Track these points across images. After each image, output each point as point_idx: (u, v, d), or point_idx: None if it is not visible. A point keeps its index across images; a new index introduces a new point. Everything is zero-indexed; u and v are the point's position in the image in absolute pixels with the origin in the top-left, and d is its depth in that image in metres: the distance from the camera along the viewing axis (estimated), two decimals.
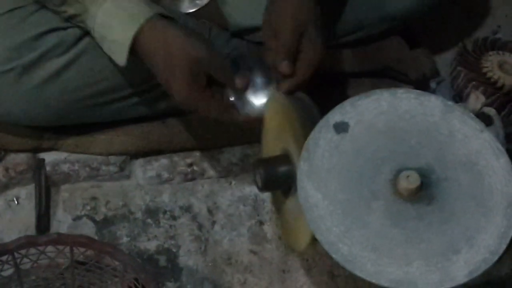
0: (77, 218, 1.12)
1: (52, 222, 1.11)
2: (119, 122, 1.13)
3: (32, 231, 1.08)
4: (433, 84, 1.24)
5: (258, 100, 0.96)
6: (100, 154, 1.14)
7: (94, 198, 1.14)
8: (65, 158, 1.14)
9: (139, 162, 1.16)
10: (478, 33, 1.36)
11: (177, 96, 0.93)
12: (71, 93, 1.03)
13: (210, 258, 1.09)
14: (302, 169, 0.79)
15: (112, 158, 1.14)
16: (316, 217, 0.77)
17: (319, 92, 1.00)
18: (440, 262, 0.74)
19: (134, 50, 0.92)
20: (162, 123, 1.14)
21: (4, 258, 0.91)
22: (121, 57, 0.93)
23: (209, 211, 1.14)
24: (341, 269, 1.03)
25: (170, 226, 1.12)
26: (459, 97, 1.18)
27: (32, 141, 1.12)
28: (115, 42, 0.93)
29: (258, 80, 0.97)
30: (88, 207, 1.13)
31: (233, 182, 1.17)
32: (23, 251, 0.91)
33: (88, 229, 1.10)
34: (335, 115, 0.82)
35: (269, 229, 1.12)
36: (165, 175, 1.16)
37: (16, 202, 1.12)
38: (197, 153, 1.17)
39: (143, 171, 1.16)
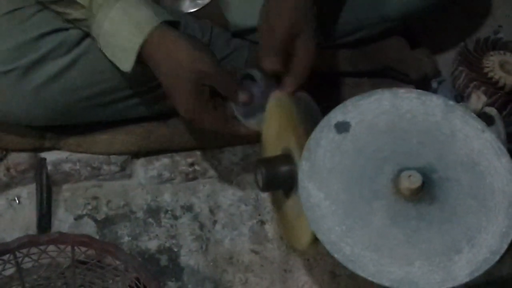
0: (78, 218, 1.12)
1: (53, 222, 1.11)
2: (120, 122, 1.13)
3: (33, 230, 1.08)
4: (434, 84, 1.24)
5: (260, 114, 0.97)
6: (102, 154, 1.14)
7: (95, 198, 1.14)
8: (67, 158, 1.14)
9: (140, 161, 1.16)
10: (479, 33, 1.36)
11: (180, 108, 0.95)
12: (73, 93, 1.03)
13: (211, 258, 1.09)
14: (304, 169, 0.79)
15: (114, 158, 1.15)
16: (318, 217, 0.77)
17: (320, 92, 1.00)
18: (441, 262, 0.74)
19: (139, 57, 0.93)
20: (164, 123, 1.14)
21: (5, 257, 0.91)
22: (127, 64, 0.93)
23: (211, 211, 1.14)
24: (342, 269, 1.03)
25: (171, 225, 1.12)
26: (460, 97, 1.18)
27: (33, 141, 1.12)
28: (121, 49, 0.93)
29: (262, 93, 0.97)
30: (90, 207, 1.13)
31: (235, 182, 1.17)
32: (24, 251, 0.91)
33: (89, 228, 1.10)
34: (336, 115, 0.82)
35: (270, 229, 1.12)
36: (167, 174, 1.16)
37: (17, 201, 1.12)
38: (199, 153, 1.17)
39: (145, 170, 1.16)
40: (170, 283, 1.06)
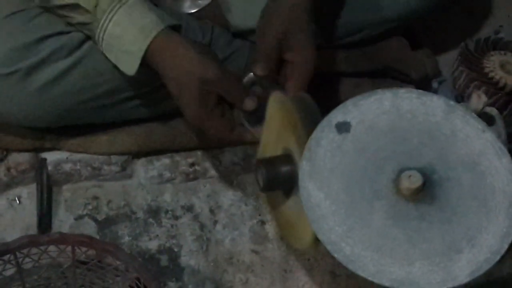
0: (78, 218, 1.12)
1: (53, 222, 1.11)
2: (121, 122, 1.13)
3: (34, 230, 1.08)
4: (435, 84, 1.24)
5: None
6: (102, 154, 1.14)
7: (95, 198, 1.14)
8: (67, 158, 1.14)
9: (141, 161, 1.16)
10: (480, 33, 1.36)
11: (186, 115, 0.95)
12: (74, 95, 1.03)
13: (212, 258, 1.09)
14: (304, 169, 0.79)
15: (114, 158, 1.15)
16: (318, 216, 0.77)
17: (320, 92, 1.00)
18: (442, 262, 0.74)
19: (143, 60, 0.93)
20: (164, 123, 1.14)
21: (6, 257, 0.91)
22: (131, 68, 0.94)
23: (211, 211, 1.14)
24: (343, 269, 1.02)
25: (172, 225, 1.12)
26: (461, 97, 1.18)
27: (34, 141, 1.12)
28: (126, 53, 0.93)
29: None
30: (90, 207, 1.13)
31: (235, 182, 1.17)
32: (25, 251, 0.91)
33: (89, 228, 1.10)
34: (337, 115, 0.82)
35: (270, 229, 1.12)
36: (167, 174, 1.16)
37: (18, 201, 1.12)
38: (199, 153, 1.17)
39: (145, 170, 1.16)
40: (170, 283, 1.06)
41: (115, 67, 0.96)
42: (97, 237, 1.08)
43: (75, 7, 0.94)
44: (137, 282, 0.91)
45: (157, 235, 1.11)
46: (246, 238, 1.12)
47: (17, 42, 0.99)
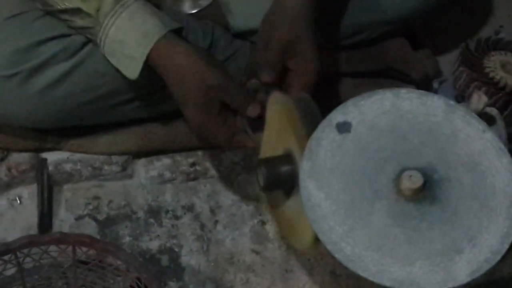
0: (79, 218, 1.12)
1: (54, 222, 1.11)
2: (121, 122, 1.13)
3: (34, 230, 1.08)
4: (435, 84, 1.24)
5: None
6: (103, 154, 1.14)
7: (96, 198, 1.14)
8: (68, 158, 1.14)
9: (141, 161, 1.16)
10: (480, 33, 1.36)
11: (189, 121, 0.96)
12: (75, 97, 1.03)
13: (212, 258, 1.09)
14: (305, 168, 0.79)
15: (115, 158, 1.15)
16: (319, 216, 0.77)
17: (321, 92, 1.00)
18: (442, 262, 0.74)
19: (146, 65, 0.93)
20: (165, 123, 1.14)
21: (6, 257, 0.91)
22: (133, 72, 0.94)
23: (212, 211, 1.14)
24: (343, 269, 1.02)
25: (173, 225, 1.12)
26: (461, 97, 1.18)
27: (34, 141, 1.12)
28: (128, 57, 0.93)
29: None
30: (91, 207, 1.13)
31: (235, 182, 1.17)
32: (25, 251, 0.91)
33: (90, 228, 1.10)
34: (337, 115, 0.82)
35: (271, 229, 1.12)
36: (168, 174, 1.16)
37: (18, 201, 1.12)
38: (200, 153, 1.17)
39: (146, 170, 1.16)
40: (171, 283, 1.06)
41: (116, 69, 0.96)
42: (98, 237, 1.08)
43: (77, 11, 0.94)
44: (137, 282, 0.91)
45: (158, 235, 1.11)
46: (246, 238, 1.12)
47: (19, 44, 0.99)
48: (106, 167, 1.15)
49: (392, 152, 0.79)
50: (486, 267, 0.74)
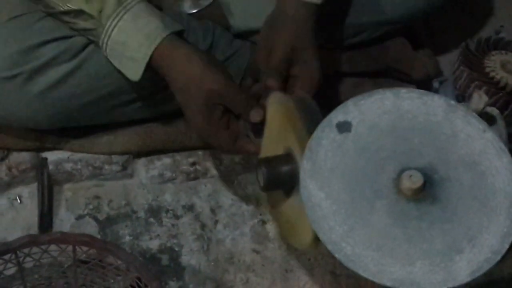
0: (79, 217, 1.12)
1: (54, 221, 1.11)
2: (122, 122, 1.13)
3: (34, 230, 1.08)
4: (436, 84, 1.23)
5: None
6: (103, 153, 1.14)
7: (96, 197, 1.14)
8: (68, 157, 1.14)
9: (142, 161, 1.16)
10: (481, 33, 1.36)
11: (191, 125, 0.96)
12: (76, 98, 1.03)
13: (213, 257, 1.09)
14: (305, 168, 0.79)
15: (115, 157, 1.15)
16: (319, 216, 0.77)
17: (321, 91, 1.00)
18: (442, 262, 0.74)
19: (148, 67, 0.93)
20: (165, 123, 1.14)
21: (7, 257, 0.91)
22: (135, 74, 0.94)
23: (212, 210, 1.14)
24: (343, 269, 1.02)
25: (173, 225, 1.12)
26: (462, 97, 1.18)
27: (35, 141, 1.12)
28: (130, 59, 0.94)
29: None
30: (91, 206, 1.13)
31: (236, 182, 1.17)
32: (26, 250, 0.91)
33: (90, 228, 1.11)
34: (338, 115, 0.82)
35: (271, 228, 1.12)
36: (168, 174, 1.16)
37: (19, 201, 1.12)
38: (200, 152, 1.17)
39: (146, 170, 1.16)
40: (171, 283, 1.06)
41: (118, 70, 0.96)
42: (98, 236, 1.09)
43: (79, 13, 0.94)
44: (137, 281, 0.91)
45: (158, 235, 1.11)
46: (247, 237, 1.12)
47: (20, 45, 0.99)
48: (106, 167, 1.15)
49: (392, 152, 0.79)
50: (486, 267, 0.74)
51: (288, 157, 0.89)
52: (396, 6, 1.14)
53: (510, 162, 0.79)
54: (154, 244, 1.10)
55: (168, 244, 1.10)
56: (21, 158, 1.12)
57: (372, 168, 0.79)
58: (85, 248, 0.92)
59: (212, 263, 1.08)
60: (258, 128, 0.96)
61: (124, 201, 1.14)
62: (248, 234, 1.12)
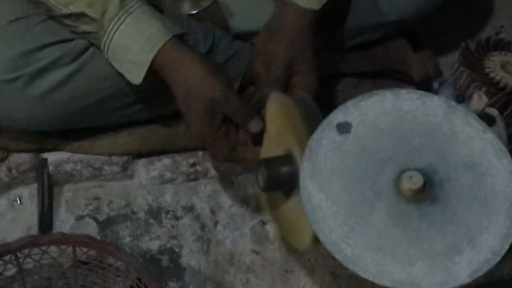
0: (79, 218, 1.12)
1: (54, 222, 1.11)
2: (122, 123, 1.13)
3: (34, 230, 1.08)
4: (435, 85, 1.24)
5: None
6: (103, 154, 1.14)
7: (96, 198, 1.14)
8: (68, 158, 1.14)
9: (142, 162, 1.16)
10: (481, 34, 1.36)
11: (191, 132, 0.96)
12: (77, 101, 1.03)
13: (213, 258, 1.09)
14: (305, 169, 0.79)
15: (115, 158, 1.15)
16: (319, 217, 0.77)
17: (321, 92, 1.00)
18: (442, 263, 0.74)
19: (150, 70, 0.93)
20: (165, 124, 1.15)
21: (7, 258, 0.91)
22: (137, 78, 0.94)
23: (212, 211, 1.14)
24: (343, 269, 1.02)
25: (173, 226, 1.12)
26: (461, 98, 1.18)
27: (35, 142, 1.12)
28: (132, 62, 0.93)
29: None
30: (91, 207, 1.13)
31: (236, 182, 1.17)
32: (26, 251, 0.91)
33: (90, 229, 1.11)
34: (338, 116, 0.82)
35: (271, 229, 1.12)
36: (168, 175, 1.16)
37: (19, 202, 1.13)
38: (200, 153, 1.17)
39: (146, 171, 1.16)
40: (171, 284, 1.06)
41: (118, 72, 0.96)
42: (98, 237, 1.09)
43: (81, 16, 0.94)
44: (137, 282, 0.91)
45: (158, 236, 1.11)
46: (247, 238, 1.12)
47: (21, 48, 0.99)
48: (106, 168, 1.15)
49: (392, 152, 0.79)
50: (486, 267, 0.74)
51: (288, 158, 0.89)
52: (396, 8, 1.14)
53: (510, 163, 0.79)
54: (154, 245, 1.10)
55: (168, 245, 1.10)
56: (21, 159, 1.12)
57: (372, 169, 0.79)
58: (85, 249, 0.92)
59: (212, 264, 1.08)
60: (257, 138, 0.96)
61: (124, 202, 1.14)
62: (248, 235, 1.12)
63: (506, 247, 0.75)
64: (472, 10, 1.40)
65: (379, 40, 1.21)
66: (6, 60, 0.98)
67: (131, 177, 1.16)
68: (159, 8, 1.04)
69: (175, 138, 1.15)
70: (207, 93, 0.93)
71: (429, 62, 1.24)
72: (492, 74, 1.17)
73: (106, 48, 0.94)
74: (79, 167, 1.14)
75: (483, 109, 0.91)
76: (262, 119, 0.95)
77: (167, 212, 1.13)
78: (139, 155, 1.16)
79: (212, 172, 1.17)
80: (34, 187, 1.12)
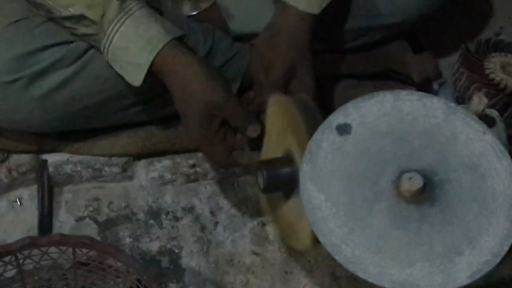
0: (79, 219, 1.12)
1: (54, 223, 1.11)
2: (122, 124, 1.13)
3: (34, 232, 1.08)
4: (435, 86, 1.23)
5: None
6: (103, 155, 1.14)
7: (96, 199, 1.14)
8: (68, 159, 1.14)
9: (141, 163, 1.16)
10: (480, 35, 1.36)
11: (188, 134, 0.96)
12: (77, 102, 1.03)
13: (213, 259, 1.09)
14: (305, 170, 0.79)
15: (115, 159, 1.15)
16: (319, 218, 0.77)
17: (321, 93, 1.01)
18: (442, 264, 0.74)
19: (149, 72, 0.93)
20: (165, 125, 1.15)
21: (7, 259, 0.91)
22: (137, 79, 0.94)
23: (212, 212, 1.14)
24: (343, 271, 1.02)
25: (173, 227, 1.12)
26: (461, 99, 1.18)
27: (35, 143, 1.12)
28: (132, 64, 0.94)
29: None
30: (91, 208, 1.13)
31: (236, 183, 1.17)
32: (25, 252, 0.91)
33: (90, 230, 1.10)
34: (337, 117, 0.82)
35: (271, 230, 1.12)
36: (168, 176, 1.16)
37: (19, 203, 1.12)
38: (200, 154, 1.17)
39: (146, 172, 1.16)
40: (171, 285, 1.06)
41: (118, 74, 0.96)
42: (98, 238, 1.09)
43: (81, 18, 0.94)
44: (137, 283, 0.91)
45: (158, 237, 1.11)
46: (246, 239, 1.12)
47: (21, 49, 0.99)
48: (106, 169, 1.15)
49: (392, 154, 0.80)
50: (486, 269, 0.74)
51: (288, 159, 0.89)
52: (396, 10, 1.14)
53: (510, 164, 0.79)
54: (154, 246, 1.10)
55: (168, 246, 1.10)
56: (21, 160, 1.12)
57: (372, 170, 0.79)
58: (85, 250, 0.92)
59: (212, 265, 1.08)
60: (255, 143, 0.96)
61: (124, 203, 1.14)
62: (248, 236, 1.12)
63: (506, 248, 0.75)
64: (472, 11, 1.40)
65: (379, 42, 1.21)
66: (6, 61, 0.98)
67: (131, 178, 1.16)
68: (158, 10, 1.04)
69: (175, 139, 1.15)
70: (205, 96, 0.93)
71: (429, 63, 1.24)
72: (492, 75, 1.17)
73: (105, 50, 0.94)
74: (79, 168, 1.14)
75: (483, 110, 0.91)
76: (261, 123, 0.95)
77: (167, 213, 1.13)
78: (139, 156, 1.16)
79: (212, 173, 1.17)
80: (34, 188, 1.12)
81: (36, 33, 1.00)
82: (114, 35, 0.93)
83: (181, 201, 1.15)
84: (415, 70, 1.22)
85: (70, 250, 0.92)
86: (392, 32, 1.20)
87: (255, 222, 1.13)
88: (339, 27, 1.15)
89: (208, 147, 0.96)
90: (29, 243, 0.90)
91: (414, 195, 0.77)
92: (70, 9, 0.95)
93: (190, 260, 1.09)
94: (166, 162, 1.16)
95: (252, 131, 0.95)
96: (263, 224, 1.13)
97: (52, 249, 0.92)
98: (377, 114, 0.82)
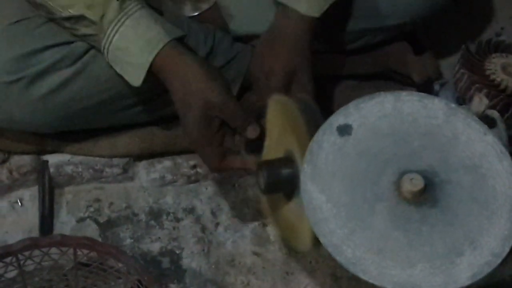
0: (80, 220, 1.12)
1: (55, 224, 1.11)
2: (123, 125, 1.13)
3: (35, 232, 1.08)
4: (436, 87, 1.23)
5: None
6: (104, 156, 1.14)
7: (97, 200, 1.14)
8: (69, 160, 1.14)
9: (142, 164, 1.16)
10: (481, 35, 1.36)
11: (186, 135, 0.96)
12: (78, 102, 1.03)
13: (213, 260, 1.09)
14: (306, 171, 0.79)
15: (116, 160, 1.15)
16: (320, 219, 0.77)
17: (322, 94, 1.01)
18: (443, 265, 0.74)
19: (149, 72, 0.93)
20: (166, 126, 1.15)
21: (8, 260, 0.91)
22: (136, 80, 0.94)
23: (213, 213, 1.14)
24: (344, 271, 1.02)
25: (174, 228, 1.12)
26: (462, 100, 1.18)
27: (36, 144, 1.12)
28: (131, 64, 0.94)
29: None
30: (92, 209, 1.13)
31: (236, 184, 1.17)
32: (26, 253, 0.91)
33: (91, 230, 1.11)
34: (338, 118, 0.82)
35: (272, 231, 1.12)
36: (169, 177, 1.16)
37: (19, 204, 1.13)
38: None
39: (147, 173, 1.16)
40: (172, 285, 1.06)
41: (118, 74, 0.96)
42: (99, 239, 1.09)
43: (81, 19, 0.94)
44: (138, 284, 0.91)
45: (159, 237, 1.11)
46: (247, 240, 1.12)
47: (21, 50, 0.99)
48: (107, 170, 1.15)
49: (393, 154, 0.80)
50: (487, 270, 0.74)
51: (289, 160, 0.89)
52: (396, 11, 1.14)
53: (510, 165, 0.79)
54: (155, 247, 1.10)
55: (169, 247, 1.10)
56: (22, 161, 1.12)
57: (373, 171, 0.79)
58: (85, 251, 0.92)
59: (213, 266, 1.08)
60: (253, 146, 0.96)
61: (124, 204, 1.14)
62: (249, 236, 1.12)
63: (507, 249, 0.75)
64: (473, 11, 1.40)
65: (380, 43, 1.21)
66: (6, 61, 0.98)
67: (131, 179, 1.16)
68: (159, 10, 1.04)
69: (175, 140, 1.15)
70: (205, 97, 0.93)
71: (429, 64, 1.24)
72: (492, 76, 1.17)
73: (105, 50, 0.94)
74: (79, 169, 1.14)
75: (484, 111, 0.91)
76: (261, 126, 0.95)
77: (168, 214, 1.13)
78: (139, 157, 1.16)
79: (213, 174, 1.17)
80: (35, 189, 1.12)
81: (36, 34, 1.00)
82: (114, 35, 0.93)
83: (182, 202, 1.15)
84: (415, 71, 1.22)
85: (71, 251, 0.92)
86: (393, 33, 1.20)
87: (256, 223, 1.13)
88: (340, 28, 1.15)
89: (203, 149, 0.96)
90: (30, 244, 0.90)
91: (415, 196, 0.77)
92: (70, 10, 0.95)
93: (191, 261, 1.09)
94: (167, 163, 1.16)
95: (252, 131, 0.95)
96: (264, 225, 1.13)
97: (53, 250, 0.92)
98: (378, 115, 0.82)
